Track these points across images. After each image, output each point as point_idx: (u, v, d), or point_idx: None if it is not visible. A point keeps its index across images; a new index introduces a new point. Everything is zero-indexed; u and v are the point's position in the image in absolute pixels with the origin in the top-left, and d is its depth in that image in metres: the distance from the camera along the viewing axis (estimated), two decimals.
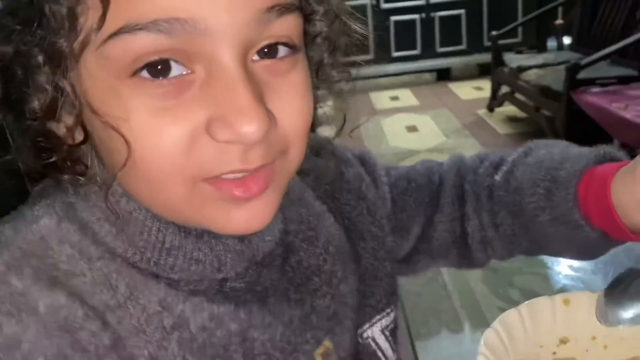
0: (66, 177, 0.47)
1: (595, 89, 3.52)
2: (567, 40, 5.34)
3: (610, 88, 3.51)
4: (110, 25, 0.40)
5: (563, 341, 0.60)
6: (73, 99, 0.43)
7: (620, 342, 0.58)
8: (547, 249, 0.68)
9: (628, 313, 0.53)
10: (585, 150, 0.63)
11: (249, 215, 0.46)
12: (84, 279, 0.47)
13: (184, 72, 0.43)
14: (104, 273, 0.47)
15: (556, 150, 0.65)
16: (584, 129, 3.39)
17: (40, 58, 0.42)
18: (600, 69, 3.81)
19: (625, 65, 3.87)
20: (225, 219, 0.46)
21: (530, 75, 4.35)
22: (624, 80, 3.64)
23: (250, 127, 0.42)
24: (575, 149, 0.64)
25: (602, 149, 0.63)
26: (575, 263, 0.88)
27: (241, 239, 0.51)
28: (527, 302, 0.60)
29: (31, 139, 0.46)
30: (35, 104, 0.44)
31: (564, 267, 0.85)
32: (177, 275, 0.49)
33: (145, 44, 0.41)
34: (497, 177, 0.68)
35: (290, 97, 0.46)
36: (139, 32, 0.40)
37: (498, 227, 0.68)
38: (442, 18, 6.51)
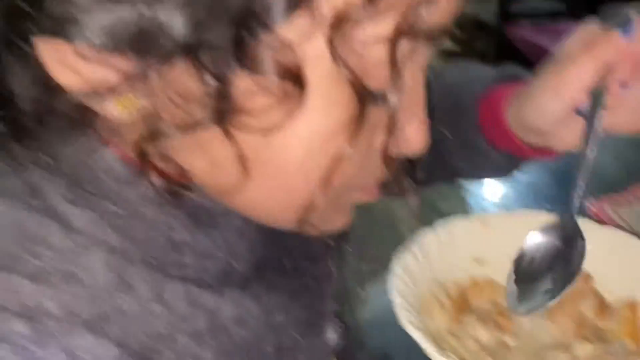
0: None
1: (526, 23, 3.55)
2: None
3: (541, 23, 3.55)
4: None
5: (479, 262, 0.59)
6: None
7: None
8: (460, 174, 0.67)
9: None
10: (489, 71, 0.62)
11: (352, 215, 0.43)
12: (90, 281, 0.36)
13: None
14: (114, 270, 0.37)
15: (462, 72, 0.64)
16: (515, 63, 3.43)
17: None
18: (531, 2, 3.83)
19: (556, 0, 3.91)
20: (336, 221, 0.42)
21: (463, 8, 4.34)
22: (554, 15, 3.68)
23: (422, 146, 0.39)
24: (479, 70, 0.63)
25: (507, 68, 0.61)
26: (497, 188, 0.89)
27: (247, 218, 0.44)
28: (444, 222, 0.59)
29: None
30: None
31: (486, 191, 0.86)
32: (181, 272, 0.40)
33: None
34: None
35: None
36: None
37: None
38: None
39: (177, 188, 0.37)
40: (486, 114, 0.58)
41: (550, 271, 0.52)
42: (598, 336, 0.50)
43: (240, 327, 0.42)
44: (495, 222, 0.60)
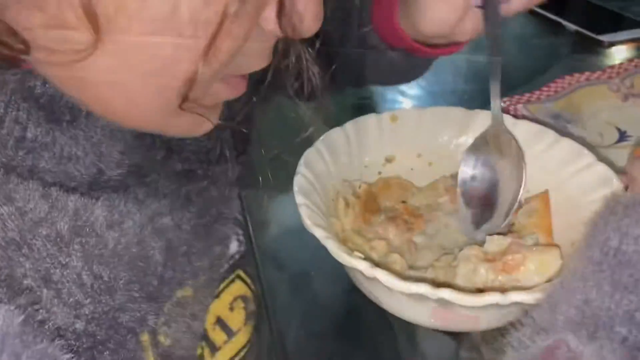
0: None
1: None
2: None
3: None
4: None
5: (389, 160, 0.56)
6: None
7: (444, 159, 0.56)
8: (361, 79, 0.64)
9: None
10: None
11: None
12: None
13: None
14: None
15: None
16: None
17: None
18: None
19: None
20: (203, 122, 0.37)
21: None
22: None
23: (316, 25, 0.34)
24: None
25: None
26: (409, 91, 0.87)
27: None
28: (353, 120, 0.55)
29: None
30: None
31: (399, 93, 0.83)
32: (38, 176, 0.35)
33: None
34: None
35: None
36: None
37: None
38: None
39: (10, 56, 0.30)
40: (379, 13, 0.55)
41: (496, 188, 0.50)
42: (510, 230, 0.49)
43: (116, 231, 0.36)
44: (405, 117, 0.56)
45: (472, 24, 0.50)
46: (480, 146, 0.51)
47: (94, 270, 0.34)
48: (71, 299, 0.33)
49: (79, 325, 0.33)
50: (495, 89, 0.49)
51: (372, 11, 0.56)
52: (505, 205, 0.48)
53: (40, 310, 0.31)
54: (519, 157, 0.49)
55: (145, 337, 0.38)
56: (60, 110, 0.34)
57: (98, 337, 0.34)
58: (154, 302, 0.38)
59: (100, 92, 0.31)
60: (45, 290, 0.32)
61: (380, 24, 0.56)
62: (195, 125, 0.37)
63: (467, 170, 0.51)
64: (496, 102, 0.50)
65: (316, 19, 0.34)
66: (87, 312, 0.33)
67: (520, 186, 0.48)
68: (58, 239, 0.33)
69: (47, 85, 0.33)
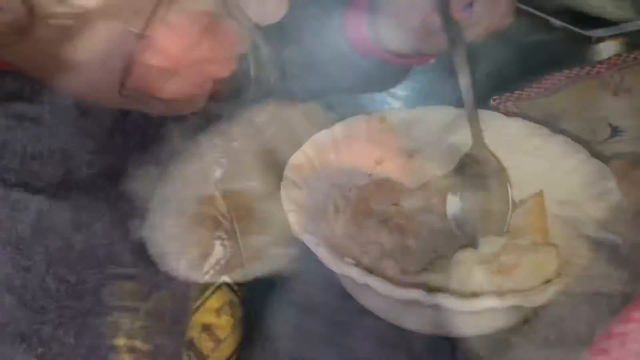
0: None
1: None
2: None
3: None
4: None
5: (379, 161, 0.55)
6: None
7: (435, 160, 0.55)
8: (338, 86, 0.64)
9: None
10: None
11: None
12: None
13: None
14: None
15: None
16: None
17: None
18: None
19: None
20: (191, 101, 0.38)
21: None
22: None
23: (280, 12, 0.34)
24: None
25: None
26: (398, 92, 0.86)
27: (84, 111, 0.38)
28: (341, 122, 0.54)
29: None
30: None
31: (387, 93, 0.82)
32: (1, 177, 0.34)
33: None
34: None
35: None
36: None
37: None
38: None
39: None
40: (349, 22, 0.56)
41: (485, 208, 0.49)
42: (505, 231, 0.48)
43: (83, 233, 0.35)
44: (394, 118, 0.55)
45: (437, 43, 0.50)
46: (463, 170, 0.50)
47: (59, 273, 0.33)
48: (35, 304, 0.32)
49: (46, 330, 0.32)
50: (470, 108, 0.48)
51: (343, 20, 0.56)
52: (497, 223, 0.48)
53: (2, 315, 0.31)
54: (501, 174, 0.48)
55: (120, 342, 0.37)
56: (20, 107, 0.34)
57: (67, 342, 0.33)
58: (127, 305, 0.37)
59: (34, 55, 0.31)
60: (7, 296, 0.31)
61: (351, 34, 0.56)
62: (186, 103, 0.37)
63: (456, 199, 0.49)
64: (474, 125, 0.49)
65: (282, 9, 0.34)
66: (53, 318, 0.32)
67: (508, 203, 0.47)
68: (18, 242, 0.32)
69: (5, 82, 0.32)
